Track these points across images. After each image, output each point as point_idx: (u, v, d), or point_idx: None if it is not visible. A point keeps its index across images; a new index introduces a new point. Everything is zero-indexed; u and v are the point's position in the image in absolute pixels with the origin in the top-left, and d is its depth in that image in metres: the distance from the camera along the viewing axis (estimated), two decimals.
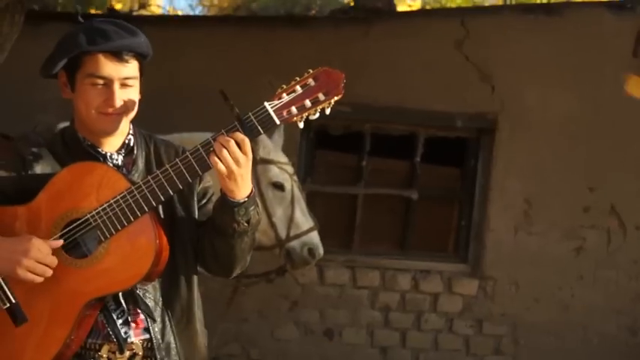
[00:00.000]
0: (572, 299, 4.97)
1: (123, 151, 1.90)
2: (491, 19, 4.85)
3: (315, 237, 3.58)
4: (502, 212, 4.91)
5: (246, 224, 1.80)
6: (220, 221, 1.80)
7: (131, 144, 1.91)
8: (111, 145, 1.87)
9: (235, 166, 1.69)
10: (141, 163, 1.91)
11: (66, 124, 3.91)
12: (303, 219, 3.54)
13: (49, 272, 1.68)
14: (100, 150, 1.86)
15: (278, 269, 3.80)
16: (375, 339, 4.91)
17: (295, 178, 3.67)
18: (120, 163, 1.88)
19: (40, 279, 1.67)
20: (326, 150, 4.92)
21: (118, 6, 8.36)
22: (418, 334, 4.94)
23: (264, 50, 4.66)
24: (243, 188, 1.75)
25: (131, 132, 1.91)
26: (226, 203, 1.77)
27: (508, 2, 7.44)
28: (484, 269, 4.94)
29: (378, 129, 4.87)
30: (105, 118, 1.80)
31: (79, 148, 1.86)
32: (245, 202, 1.77)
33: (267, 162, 3.53)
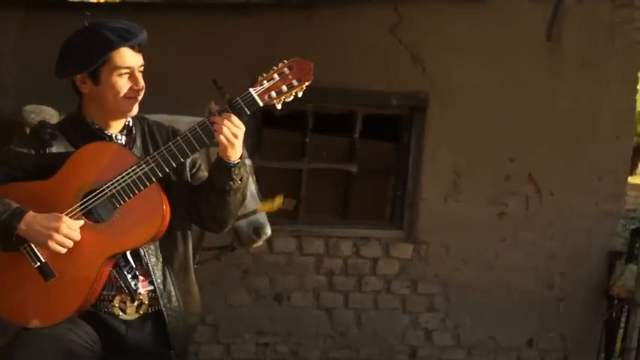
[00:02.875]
0: (496, 259, 5.29)
1: (124, 132, 2.20)
2: (422, 5, 5.02)
3: (261, 217, 3.72)
4: (433, 182, 5.17)
5: (239, 181, 2.12)
6: (218, 181, 2.10)
7: (130, 125, 2.22)
8: (115, 128, 2.16)
9: (234, 138, 2.02)
10: (139, 142, 2.20)
11: (33, 106, 4.11)
12: (251, 199, 3.62)
13: (71, 245, 1.97)
14: (106, 132, 2.15)
15: (228, 246, 3.95)
16: (321, 301, 5.16)
17: (247, 162, 3.91)
18: (123, 143, 2.18)
19: (65, 250, 1.95)
20: (271, 128, 5.06)
21: None
22: (359, 295, 5.20)
23: (211, 35, 4.76)
24: (237, 153, 2.08)
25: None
26: (224, 165, 2.08)
27: None
28: (418, 234, 5.21)
29: (320, 108, 5.04)
30: (130, 101, 2.09)
31: (87, 131, 2.13)
32: (238, 162, 2.09)
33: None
